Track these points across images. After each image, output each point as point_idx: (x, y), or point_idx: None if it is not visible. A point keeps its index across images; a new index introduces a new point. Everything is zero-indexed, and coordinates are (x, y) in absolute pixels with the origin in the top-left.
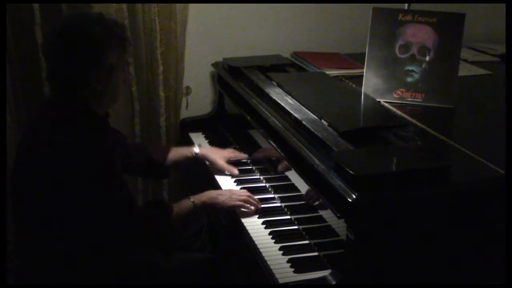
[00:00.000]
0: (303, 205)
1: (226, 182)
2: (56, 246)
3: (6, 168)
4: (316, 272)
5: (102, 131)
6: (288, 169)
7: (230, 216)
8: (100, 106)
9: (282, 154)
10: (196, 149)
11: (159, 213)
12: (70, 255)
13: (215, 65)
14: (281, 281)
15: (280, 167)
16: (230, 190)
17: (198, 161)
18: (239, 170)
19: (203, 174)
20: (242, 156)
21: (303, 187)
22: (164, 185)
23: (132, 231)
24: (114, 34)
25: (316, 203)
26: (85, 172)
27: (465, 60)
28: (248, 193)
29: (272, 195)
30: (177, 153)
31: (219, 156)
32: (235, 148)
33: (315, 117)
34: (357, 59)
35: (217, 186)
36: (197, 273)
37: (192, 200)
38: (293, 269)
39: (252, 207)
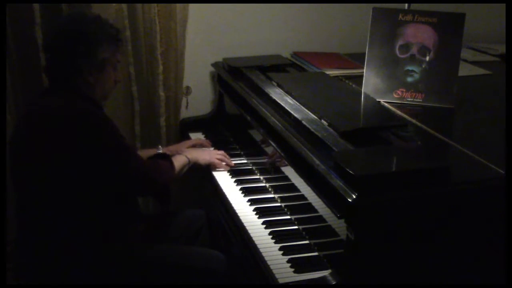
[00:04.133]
0: (303, 205)
1: (227, 183)
2: (56, 235)
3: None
4: (316, 272)
5: (99, 108)
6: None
7: (230, 216)
8: (94, 97)
9: (282, 154)
10: (160, 150)
11: (165, 162)
12: (71, 247)
13: (215, 65)
14: (281, 281)
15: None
16: (209, 149)
17: None
18: (239, 170)
19: (202, 171)
20: (204, 143)
21: (303, 187)
22: None
23: (142, 180)
24: (108, 32)
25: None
26: (88, 132)
27: (465, 60)
28: (223, 152)
29: (272, 195)
30: (143, 154)
31: (181, 147)
32: (235, 148)
33: (315, 117)
34: (357, 59)
35: (216, 185)
36: (198, 267)
37: (185, 155)
38: (293, 269)
39: (224, 163)
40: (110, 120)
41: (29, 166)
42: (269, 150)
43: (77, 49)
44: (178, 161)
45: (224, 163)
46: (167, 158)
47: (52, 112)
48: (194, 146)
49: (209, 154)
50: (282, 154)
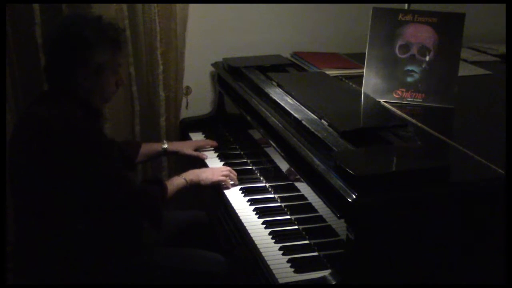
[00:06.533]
0: (303, 205)
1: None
2: (54, 242)
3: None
4: (316, 272)
5: (95, 117)
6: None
7: (230, 216)
8: (92, 102)
9: (282, 154)
10: (165, 145)
11: (156, 189)
12: (71, 247)
13: (215, 65)
14: (281, 281)
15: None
16: (212, 168)
17: (169, 154)
18: (240, 170)
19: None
20: (210, 143)
21: (303, 187)
22: None
23: (131, 205)
24: (105, 35)
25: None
26: (80, 150)
27: (465, 60)
28: (229, 168)
29: (272, 195)
30: (148, 148)
31: (186, 146)
32: (235, 148)
33: (315, 117)
34: (357, 59)
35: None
36: (198, 270)
37: (184, 177)
38: (293, 269)
39: (232, 182)
40: (102, 136)
41: (21, 173)
42: (269, 150)
43: (71, 54)
44: (173, 185)
45: (230, 180)
46: (160, 183)
47: (44, 123)
48: (198, 149)
49: (212, 173)
50: (282, 154)
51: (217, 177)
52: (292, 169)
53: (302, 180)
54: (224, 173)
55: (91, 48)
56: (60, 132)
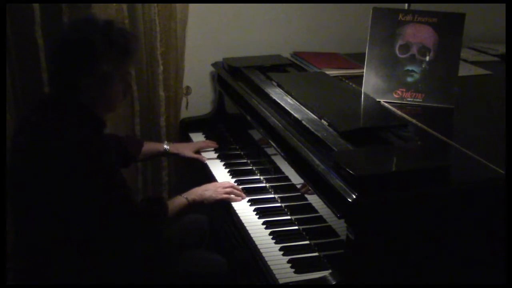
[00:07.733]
0: (303, 205)
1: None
2: (54, 245)
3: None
4: (316, 272)
5: (98, 128)
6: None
7: (231, 217)
8: (96, 111)
9: (282, 154)
10: (167, 146)
11: (156, 209)
12: (69, 253)
13: (215, 65)
14: (281, 281)
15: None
16: (214, 184)
17: (169, 155)
18: (240, 170)
19: (203, 175)
20: (210, 145)
21: None
22: (164, 185)
23: (130, 225)
24: (114, 43)
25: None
26: (81, 166)
27: (465, 60)
28: (232, 183)
29: (272, 195)
30: (149, 147)
31: (187, 149)
32: (235, 148)
33: (315, 117)
34: (357, 59)
35: None
36: (199, 272)
37: (185, 197)
38: (293, 270)
39: (238, 198)
40: (104, 152)
41: (20, 179)
42: (269, 150)
43: (77, 60)
44: (175, 204)
45: (234, 196)
46: (161, 202)
47: (43, 133)
48: (199, 150)
49: (215, 192)
50: (282, 154)
51: (221, 195)
52: (293, 169)
53: (303, 180)
54: (227, 190)
55: (97, 56)
56: (59, 144)
